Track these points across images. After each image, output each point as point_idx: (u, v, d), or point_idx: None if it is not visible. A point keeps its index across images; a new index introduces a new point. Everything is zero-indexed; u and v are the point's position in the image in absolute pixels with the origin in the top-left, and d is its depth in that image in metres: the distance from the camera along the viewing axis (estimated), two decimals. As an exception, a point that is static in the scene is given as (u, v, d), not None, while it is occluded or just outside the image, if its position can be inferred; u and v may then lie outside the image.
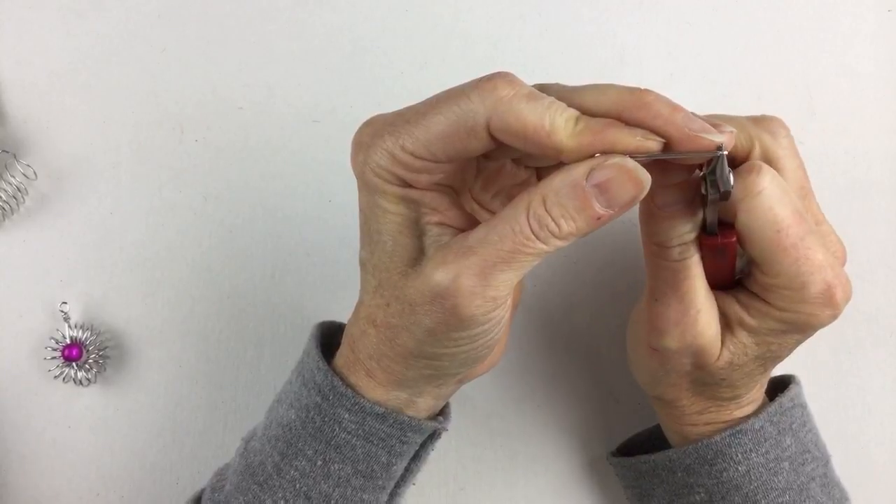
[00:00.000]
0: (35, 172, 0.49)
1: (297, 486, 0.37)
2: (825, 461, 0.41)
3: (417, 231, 0.35)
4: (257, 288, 0.50)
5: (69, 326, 0.49)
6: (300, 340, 0.42)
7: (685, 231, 0.36)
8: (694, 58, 0.51)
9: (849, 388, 0.50)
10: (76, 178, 0.50)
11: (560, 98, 0.32)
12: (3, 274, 0.50)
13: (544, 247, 0.32)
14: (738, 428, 0.39)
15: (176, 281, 0.50)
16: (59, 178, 0.50)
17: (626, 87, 0.33)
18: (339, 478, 0.37)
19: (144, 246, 0.50)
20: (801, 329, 0.37)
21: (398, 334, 0.35)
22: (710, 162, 0.33)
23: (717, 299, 0.38)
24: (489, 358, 0.38)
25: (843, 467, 0.42)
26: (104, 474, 0.49)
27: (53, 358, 0.48)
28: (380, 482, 0.38)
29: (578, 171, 0.32)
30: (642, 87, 0.33)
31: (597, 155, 0.32)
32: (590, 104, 0.33)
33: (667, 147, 0.32)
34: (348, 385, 0.37)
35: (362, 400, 0.36)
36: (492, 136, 0.32)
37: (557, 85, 0.34)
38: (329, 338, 0.41)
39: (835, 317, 0.36)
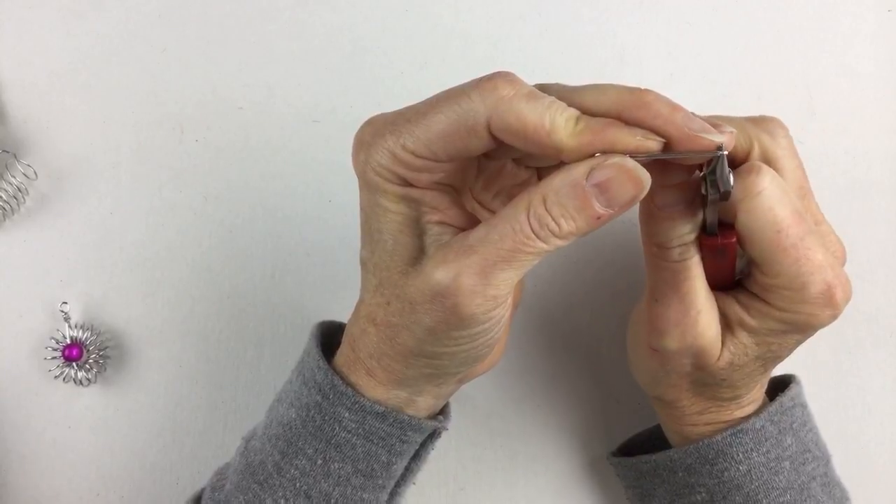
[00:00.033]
0: (35, 172, 0.49)
1: (298, 484, 0.37)
2: (826, 460, 0.41)
3: (418, 230, 0.35)
4: (257, 288, 0.50)
5: (69, 326, 0.49)
6: (300, 340, 0.42)
7: (685, 231, 0.36)
8: (694, 58, 0.51)
9: (849, 388, 0.50)
10: (76, 178, 0.50)
11: (560, 98, 0.32)
12: (3, 274, 0.50)
13: (544, 246, 0.32)
14: (738, 427, 0.39)
15: (176, 281, 0.50)
16: (59, 178, 0.50)
17: (626, 86, 0.33)
18: (339, 477, 0.37)
19: (144, 246, 0.50)
20: (802, 329, 0.37)
21: (398, 333, 0.35)
22: (710, 162, 0.33)
23: (717, 300, 0.38)
24: (489, 357, 0.38)
25: (844, 467, 0.42)
26: (104, 474, 0.49)
27: (53, 358, 0.48)
28: (380, 481, 0.38)
29: (578, 171, 0.32)
30: (642, 87, 0.33)
31: (597, 155, 0.32)
32: (590, 104, 0.33)
33: (667, 147, 0.32)
34: (348, 384, 0.37)
35: (362, 399, 0.36)
36: (492, 136, 0.32)
37: (558, 85, 0.34)
38: (329, 337, 0.41)
39: (835, 317, 0.36)
